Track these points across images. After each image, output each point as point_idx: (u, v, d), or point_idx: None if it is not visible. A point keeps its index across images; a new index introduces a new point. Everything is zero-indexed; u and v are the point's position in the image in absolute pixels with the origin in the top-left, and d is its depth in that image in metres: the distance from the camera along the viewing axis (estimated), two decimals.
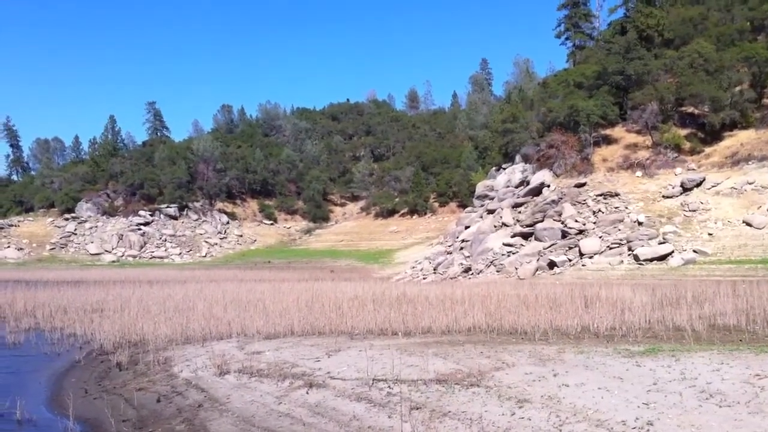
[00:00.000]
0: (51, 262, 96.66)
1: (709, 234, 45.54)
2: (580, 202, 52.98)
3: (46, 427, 11.65)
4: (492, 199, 63.82)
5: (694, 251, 43.57)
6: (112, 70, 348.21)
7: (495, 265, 50.74)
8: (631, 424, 8.40)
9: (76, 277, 56.47)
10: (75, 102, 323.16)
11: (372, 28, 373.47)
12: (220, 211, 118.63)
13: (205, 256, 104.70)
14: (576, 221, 50.50)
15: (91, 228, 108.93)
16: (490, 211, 61.15)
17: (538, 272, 47.05)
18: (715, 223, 46.65)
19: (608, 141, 61.28)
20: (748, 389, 9.52)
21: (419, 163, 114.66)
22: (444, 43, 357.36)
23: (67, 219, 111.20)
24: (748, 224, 45.28)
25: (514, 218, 56.68)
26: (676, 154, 56.27)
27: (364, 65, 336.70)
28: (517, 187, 62.30)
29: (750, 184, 49.35)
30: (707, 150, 56.19)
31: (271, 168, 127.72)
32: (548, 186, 58.00)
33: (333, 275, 59.80)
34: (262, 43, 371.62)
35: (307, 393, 11.44)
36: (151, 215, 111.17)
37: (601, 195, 52.96)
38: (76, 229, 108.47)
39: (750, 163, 51.66)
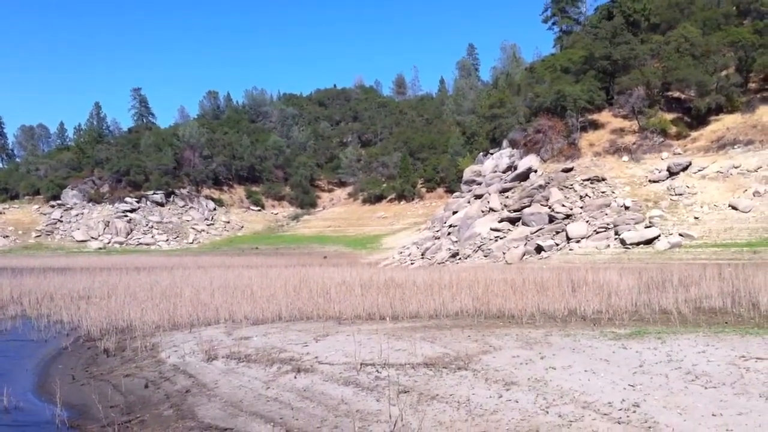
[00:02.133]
0: (37, 249, 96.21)
1: (695, 218, 45.79)
2: (567, 187, 53.12)
3: (34, 413, 11.57)
4: (479, 184, 63.89)
5: (680, 235, 43.80)
6: (98, 56, 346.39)
7: (482, 250, 50.84)
8: (617, 406, 8.46)
9: (63, 264, 56.19)
10: (60, 88, 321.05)
11: (359, 13, 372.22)
12: (207, 197, 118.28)
13: (192, 243, 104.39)
14: (563, 206, 50.65)
15: (77, 215, 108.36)
16: (478, 197, 61.20)
17: (525, 257, 47.20)
18: (701, 206, 46.89)
19: (595, 126, 61.37)
20: (734, 371, 9.60)
21: (406, 148, 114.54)
22: (431, 28, 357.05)
23: (52, 206, 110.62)
24: (734, 208, 45.55)
25: (501, 203, 56.75)
26: (662, 139, 56.45)
27: (351, 51, 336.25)
28: (504, 172, 62.36)
29: (736, 168, 49.60)
30: (693, 134, 56.39)
31: (257, 154, 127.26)
32: (535, 171, 58.09)
33: (326, 261, 59.86)
34: (249, 28, 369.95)
35: (295, 378, 11.43)
36: (137, 202, 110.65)
37: (587, 180, 53.10)
38: (62, 216, 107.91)
39: (736, 147, 51.90)
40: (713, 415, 7.87)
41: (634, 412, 8.22)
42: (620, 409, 8.34)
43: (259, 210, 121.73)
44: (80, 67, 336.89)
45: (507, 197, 57.43)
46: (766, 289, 18.18)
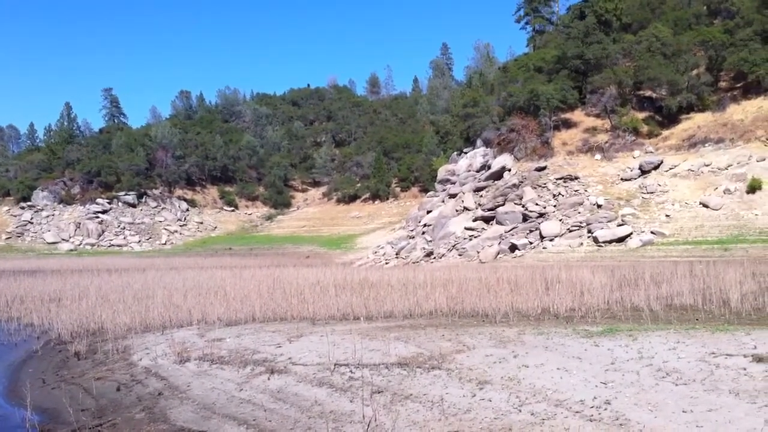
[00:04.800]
0: (7, 251, 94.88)
1: (667, 216, 46.24)
2: (540, 186, 53.43)
3: (4, 418, 11.42)
4: (454, 183, 64.07)
5: (652, 233, 44.21)
6: (68, 56, 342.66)
7: (457, 249, 50.98)
8: (589, 404, 8.50)
9: (33, 266, 55.55)
10: (30, 89, 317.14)
11: (332, 12, 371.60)
12: (180, 198, 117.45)
13: (164, 244, 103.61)
14: (536, 204, 50.94)
15: (47, 216, 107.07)
16: (452, 196, 61.38)
17: (499, 255, 47.39)
18: (673, 204, 47.37)
19: (568, 125, 61.81)
20: (704, 367, 9.68)
21: (381, 148, 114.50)
22: (405, 28, 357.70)
23: (23, 207, 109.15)
24: (705, 206, 46.07)
25: (475, 202, 56.98)
26: (634, 138, 57.00)
27: (324, 50, 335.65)
28: (478, 171, 62.59)
29: (706, 166, 50.18)
30: (665, 133, 56.98)
31: (231, 154, 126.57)
32: (509, 170, 58.37)
33: (308, 261, 59.90)
34: (220, 28, 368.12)
35: (269, 379, 11.38)
36: (109, 203, 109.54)
37: (561, 178, 53.45)
38: (32, 218, 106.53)
39: (706, 145, 52.50)
40: (684, 411, 7.93)
41: (606, 409, 8.27)
42: (592, 407, 8.39)
43: (233, 210, 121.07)
44: (50, 68, 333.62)
45: (481, 196, 57.66)
46: (736, 286, 18.41)
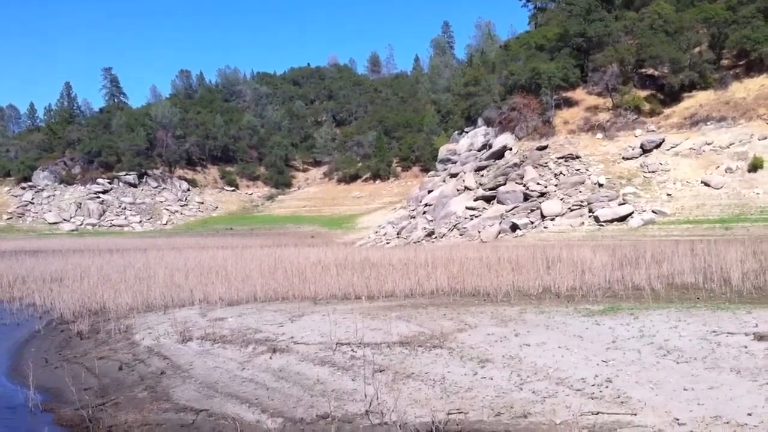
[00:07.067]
0: (8, 231, 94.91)
1: (668, 195, 46.19)
2: (541, 165, 53.27)
3: (7, 397, 11.49)
4: (455, 162, 63.91)
5: (654, 212, 44.18)
6: (68, 35, 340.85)
7: (458, 229, 50.96)
8: (590, 382, 8.52)
9: (35, 246, 55.58)
10: (30, 69, 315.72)
11: None
12: (180, 178, 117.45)
13: (165, 224, 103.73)
14: (538, 184, 50.82)
15: (48, 197, 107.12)
16: (453, 175, 61.26)
17: (500, 235, 47.36)
18: (674, 183, 47.29)
19: (569, 103, 61.49)
20: (705, 345, 9.71)
21: (382, 127, 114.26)
22: (406, 6, 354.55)
23: (24, 188, 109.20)
24: (706, 184, 46.00)
25: (476, 182, 56.86)
26: (636, 116, 56.69)
27: (324, 29, 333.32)
28: (479, 150, 62.42)
29: (708, 144, 50.02)
30: (666, 111, 56.68)
31: (231, 134, 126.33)
32: (510, 149, 58.19)
33: (312, 241, 59.98)
34: (220, 6, 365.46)
35: (271, 358, 11.41)
36: (109, 183, 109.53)
37: (562, 157, 53.28)
38: (33, 198, 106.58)
39: (708, 123, 52.28)
40: (685, 389, 7.95)
41: (607, 387, 8.29)
42: (593, 385, 8.41)
43: (234, 190, 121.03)
44: (50, 47, 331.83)
45: (482, 176, 57.54)
46: (737, 265, 18.41)
